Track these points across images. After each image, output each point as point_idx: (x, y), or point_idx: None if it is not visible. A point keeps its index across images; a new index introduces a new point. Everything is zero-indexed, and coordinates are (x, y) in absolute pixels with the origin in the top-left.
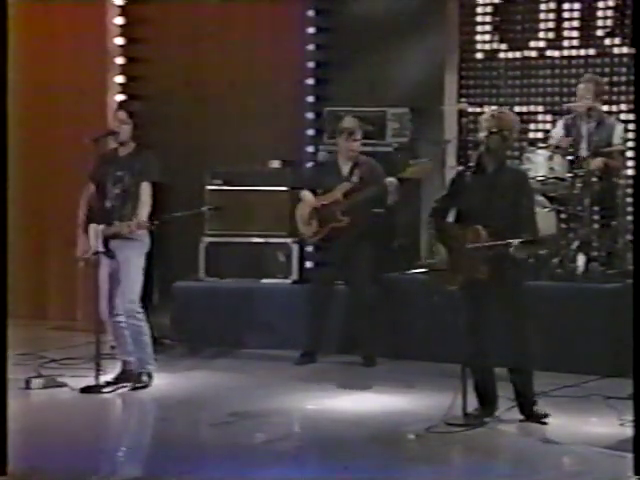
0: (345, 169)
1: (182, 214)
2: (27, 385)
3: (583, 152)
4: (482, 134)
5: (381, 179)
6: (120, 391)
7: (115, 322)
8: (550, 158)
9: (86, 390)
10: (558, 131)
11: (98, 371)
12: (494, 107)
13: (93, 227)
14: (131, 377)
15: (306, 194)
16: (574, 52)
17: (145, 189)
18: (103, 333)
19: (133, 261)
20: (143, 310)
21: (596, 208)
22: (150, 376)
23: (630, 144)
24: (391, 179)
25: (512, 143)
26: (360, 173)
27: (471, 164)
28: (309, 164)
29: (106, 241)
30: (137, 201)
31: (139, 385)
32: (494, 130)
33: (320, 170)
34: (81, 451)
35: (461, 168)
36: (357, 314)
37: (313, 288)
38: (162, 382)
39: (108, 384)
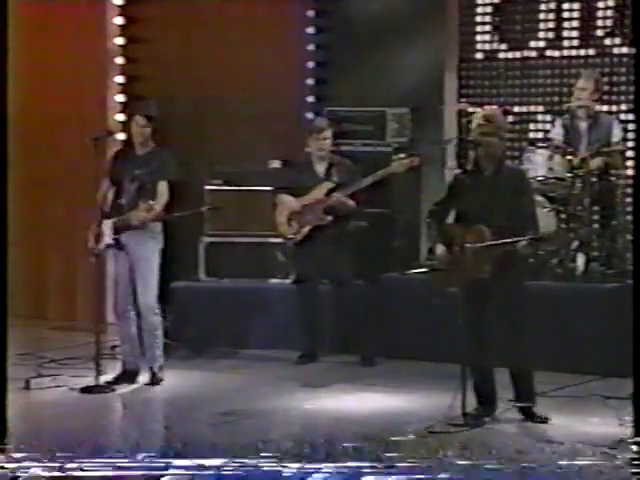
0: (320, 169)
1: (182, 214)
2: (27, 385)
3: (582, 152)
4: (478, 137)
5: (358, 178)
6: (120, 391)
7: (126, 319)
8: (550, 158)
9: (86, 390)
10: (557, 131)
11: (98, 371)
12: (484, 109)
13: (106, 222)
14: (131, 377)
15: (284, 197)
16: (574, 52)
17: (162, 187)
18: (103, 333)
19: (150, 258)
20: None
21: (596, 208)
22: (161, 369)
23: (630, 144)
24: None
25: (506, 140)
26: (338, 172)
27: (469, 166)
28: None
29: (117, 235)
30: (152, 197)
31: (154, 382)
32: (491, 132)
33: (294, 172)
34: (82, 451)
35: (458, 171)
36: (342, 313)
37: (297, 288)
38: (162, 382)
39: (109, 384)
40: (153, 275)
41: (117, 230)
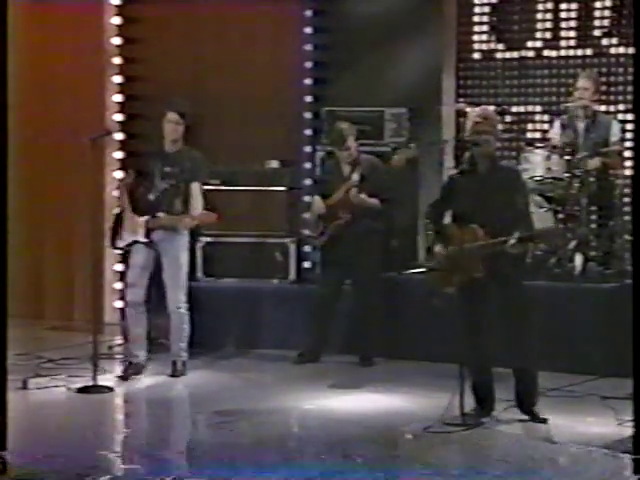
0: (346, 169)
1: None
2: (24, 385)
3: (580, 152)
4: (475, 136)
5: (382, 175)
6: (119, 391)
7: (140, 312)
8: (548, 158)
9: (84, 390)
10: (555, 131)
11: (96, 371)
12: (478, 108)
13: (135, 218)
14: (138, 370)
15: (315, 198)
16: (571, 52)
17: (196, 189)
18: (101, 333)
19: (181, 256)
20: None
21: (593, 208)
22: (184, 364)
23: (628, 143)
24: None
25: (499, 139)
26: (360, 171)
27: (464, 166)
28: (308, 165)
29: (147, 232)
30: (186, 199)
31: (177, 373)
32: (487, 130)
33: (323, 172)
34: (80, 451)
35: (453, 172)
36: (361, 314)
37: (318, 289)
38: (161, 382)
39: (119, 378)
40: (184, 272)
41: (148, 229)
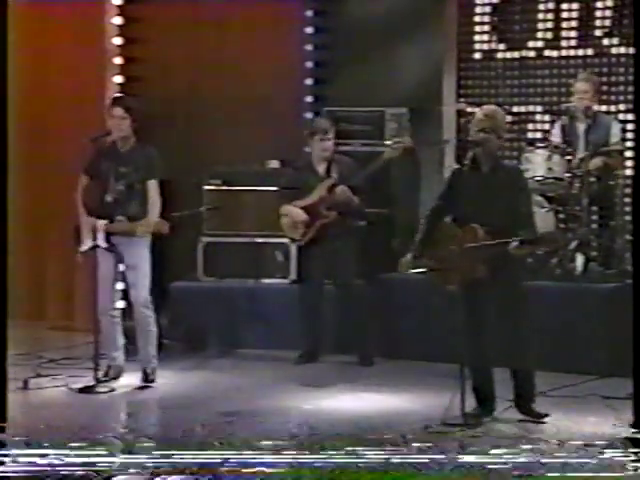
0: (321, 169)
1: (181, 214)
2: (25, 385)
3: (581, 152)
4: (477, 134)
5: (358, 174)
6: (118, 391)
7: (110, 317)
8: (548, 158)
9: (84, 390)
10: (556, 132)
11: (97, 371)
12: (485, 106)
13: (91, 221)
14: (118, 371)
15: (289, 209)
16: (572, 52)
17: (153, 187)
18: (101, 333)
19: (142, 256)
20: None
21: (594, 208)
22: (154, 371)
23: (628, 143)
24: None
25: (504, 139)
26: (338, 170)
27: (466, 162)
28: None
29: (107, 236)
30: (144, 199)
31: (148, 382)
32: (490, 130)
33: (295, 174)
34: (80, 451)
35: (456, 166)
36: (344, 312)
37: (301, 287)
38: (160, 382)
39: (98, 381)
40: (146, 272)
41: (108, 233)
